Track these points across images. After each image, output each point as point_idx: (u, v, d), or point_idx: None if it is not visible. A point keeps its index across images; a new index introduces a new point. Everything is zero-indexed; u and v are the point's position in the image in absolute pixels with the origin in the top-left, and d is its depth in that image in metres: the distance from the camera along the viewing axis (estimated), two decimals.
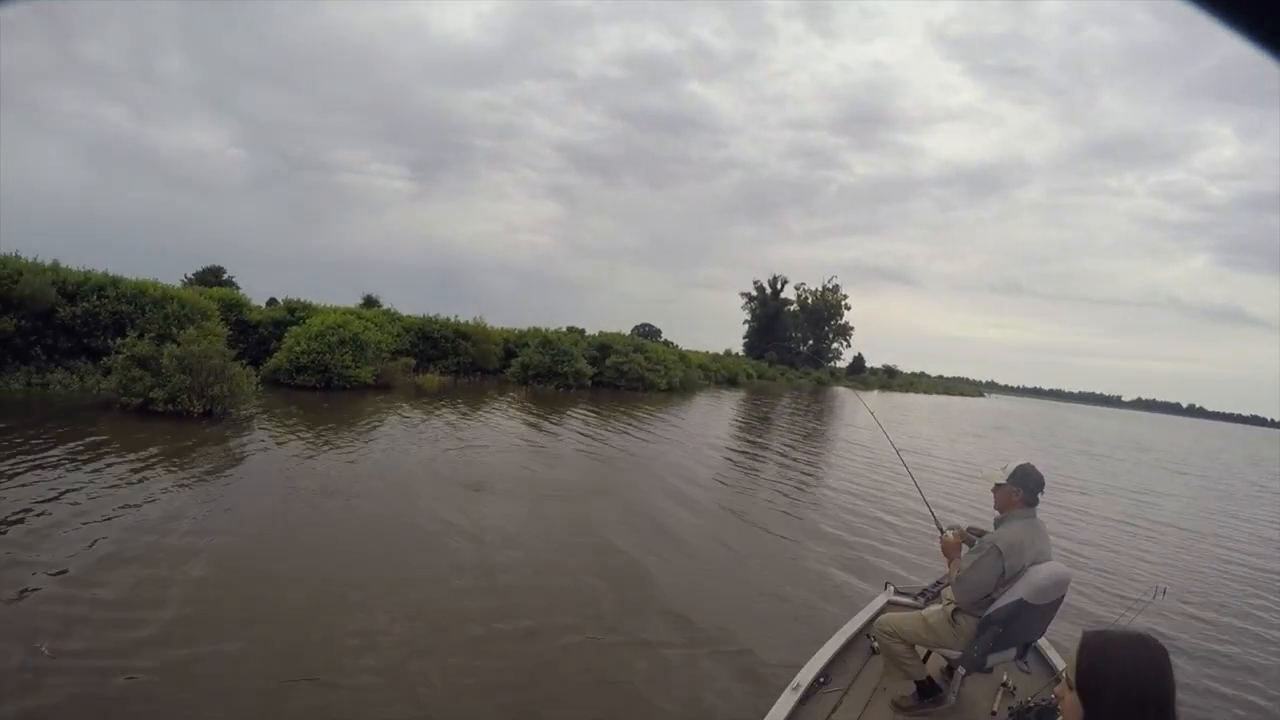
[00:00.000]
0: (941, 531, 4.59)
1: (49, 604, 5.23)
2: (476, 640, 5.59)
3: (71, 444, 9.92)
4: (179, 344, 13.42)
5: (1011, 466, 4.09)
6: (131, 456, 9.74)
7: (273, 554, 6.93)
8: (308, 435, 12.98)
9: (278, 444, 11.85)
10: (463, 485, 10.47)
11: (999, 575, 3.87)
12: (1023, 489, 4.03)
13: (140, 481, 8.68)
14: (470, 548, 7.74)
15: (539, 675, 5.20)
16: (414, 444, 13.28)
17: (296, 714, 4.36)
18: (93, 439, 10.43)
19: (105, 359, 13.77)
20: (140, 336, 13.83)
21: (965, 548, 4.32)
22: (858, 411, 42.90)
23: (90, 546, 6.41)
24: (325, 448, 12.00)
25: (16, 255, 15.33)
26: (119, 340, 13.61)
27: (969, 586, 3.99)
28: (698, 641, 6.11)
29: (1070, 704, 1.72)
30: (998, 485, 4.10)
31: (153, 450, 10.24)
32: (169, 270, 31.71)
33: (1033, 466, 4.09)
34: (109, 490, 8.13)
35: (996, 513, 4.15)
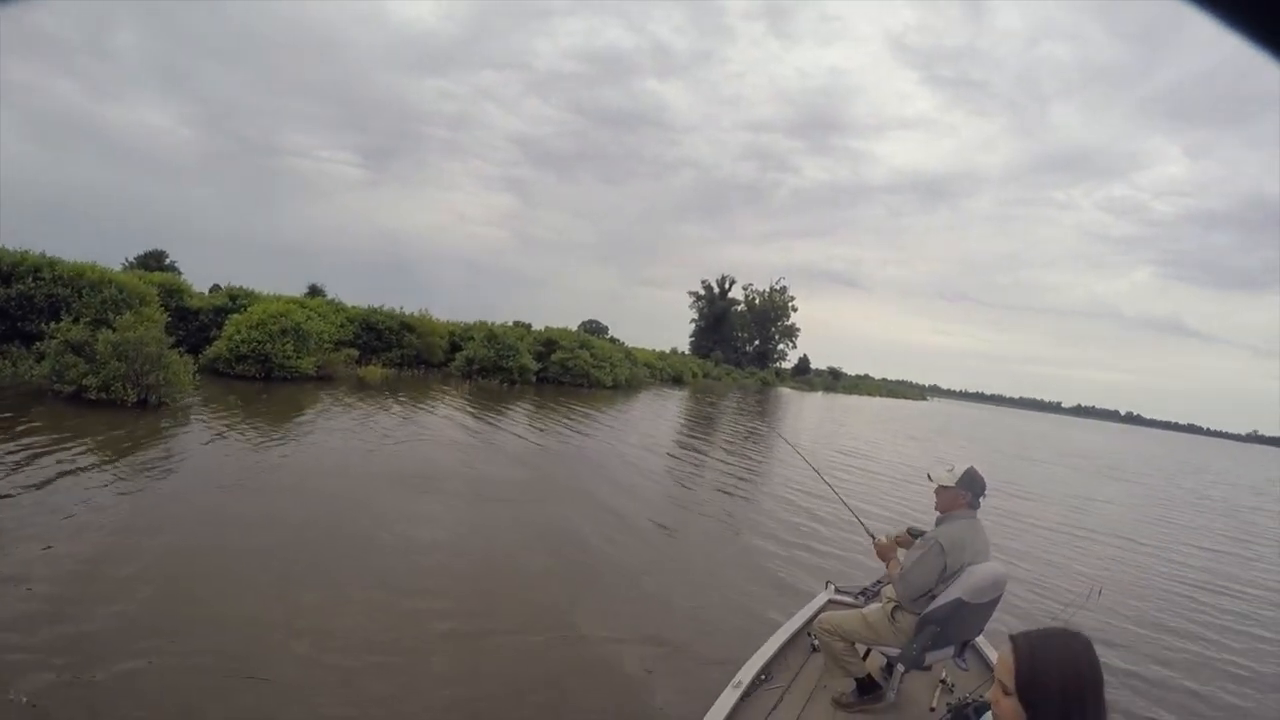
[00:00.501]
0: (873, 537, 4.69)
1: None
2: (401, 642, 5.54)
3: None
4: (115, 330, 13.29)
5: (959, 470, 4.19)
6: (59, 448, 9.54)
7: (196, 549, 6.82)
8: (243, 426, 12.90)
9: (214, 435, 11.72)
10: (395, 480, 10.47)
11: (941, 571, 3.98)
12: (969, 491, 4.14)
13: (67, 474, 8.49)
14: (400, 545, 7.74)
15: (467, 672, 5.21)
16: (352, 437, 13.27)
17: (227, 712, 4.34)
18: (21, 428, 10.30)
19: (39, 344, 13.55)
20: (75, 321, 13.68)
21: (900, 550, 4.46)
22: (800, 414, 43.74)
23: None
24: (259, 440, 11.91)
25: None
26: (53, 325, 13.42)
27: (911, 582, 4.08)
28: (638, 638, 6.16)
29: (1009, 709, 1.74)
30: (943, 487, 4.19)
31: (84, 441, 10.07)
32: (112, 253, 31.07)
33: (977, 470, 4.22)
34: (27, 484, 7.93)
35: (938, 513, 4.25)
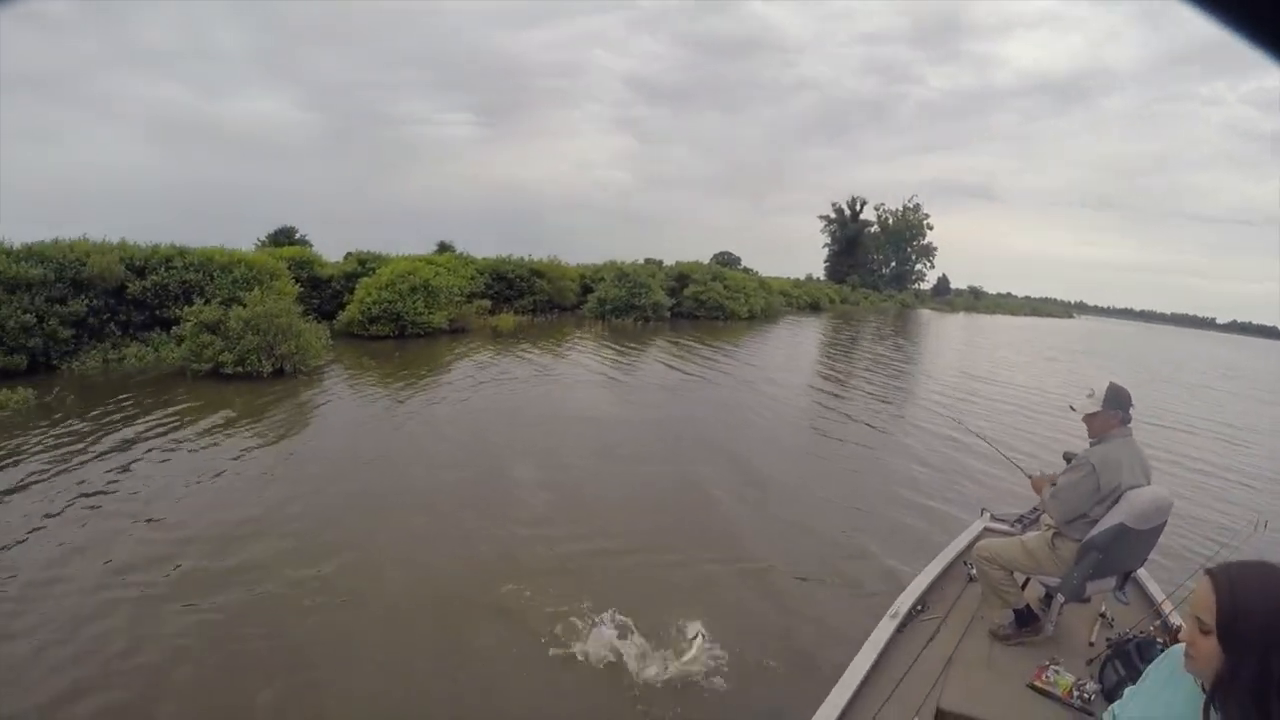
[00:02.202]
0: (1029, 476, 4.53)
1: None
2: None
3: (154, 412, 10.13)
4: (245, 306, 13.32)
5: (1100, 391, 3.97)
6: (209, 417, 10.00)
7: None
8: (372, 385, 13.09)
9: (347, 393, 12.14)
10: (531, 423, 10.52)
11: (1094, 491, 3.81)
12: (1118, 410, 3.92)
13: (221, 440, 9.00)
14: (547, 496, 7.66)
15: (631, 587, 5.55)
16: (484, 384, 13.48)
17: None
18: (168, 405, 10.54)
19: (175, 328, 13.74)
20: (207, 303, 13.78)
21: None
22: (940, 336, 41.94)
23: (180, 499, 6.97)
24: (387, 395, 12.10)
25: (85, 239, 15.40)
26: (186, 308, 13.56)
27: (1063, 501, 3.91)
28: (797, 571, 6.19)
29: (1207, 649, 1.56)
30: (1090, 415, 3.97)
31: (227, 411, 10.38)
32: (246, 236, 31.85)
33: (1119, 383, 3.99)
34: (191, 452, 8.45)
35: (1091, 440, 4.02)
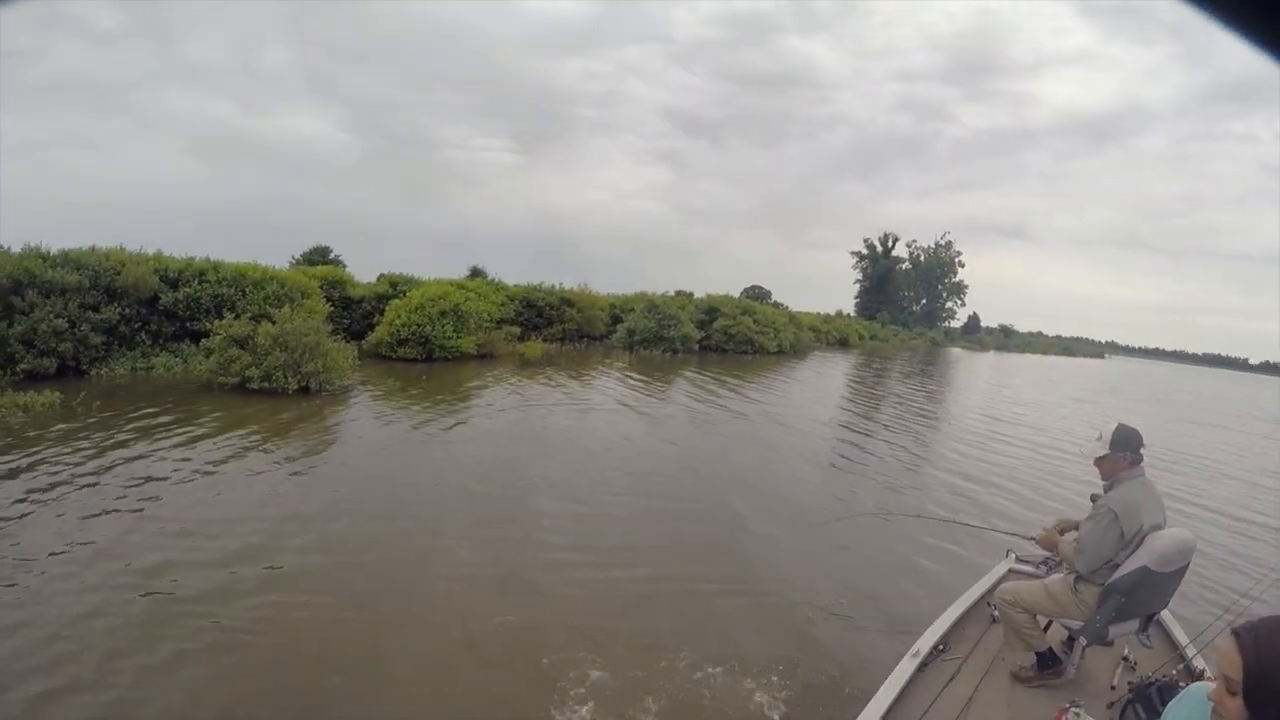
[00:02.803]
0: (1033, 539, 4.60)
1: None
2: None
3: (176, 422, 10.10)
4: (274, 322, 13.35)
5: (1108, 433, 3.93)
6: (233, 432, 9.91)
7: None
8: (396, 405, 13.03)
9: (367, 414, 12.02)
10: (548, 452, 10.33)
11: (1118, 538, 3.78)
12: (1127, 451, 3.88)
13: (239, 456, 8.88)
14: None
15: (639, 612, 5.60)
16: (506, 410, 13.40)
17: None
18: (192, 417, 10.46)
19: (205, 341, 13.76)
20: (237, 317, 13.82)
21: (1066, 533, 4.28)
22: (969, 375, 41.54)
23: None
24: (409, 418, 11.93)
25: (121, 248, 15.57)
26: (216, 322, 13.60)
27: (1089, 554, 3.88)
28: (818, 605, 6.13)
29: (1235, 711, 1.54)
30: (1100, 458, 3.94)
31: (250, 426, 10.30)
32: (281, 253, 32.19)
33: (1127, 424, 3.95)
34: (207, 465, 8.33)
35: (1104, 483, 4.00)
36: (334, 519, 6.96)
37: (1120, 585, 3.75)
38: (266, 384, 12.50)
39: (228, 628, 4.77)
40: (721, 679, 4.72)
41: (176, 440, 9.18)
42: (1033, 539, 4.63)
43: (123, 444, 8.77)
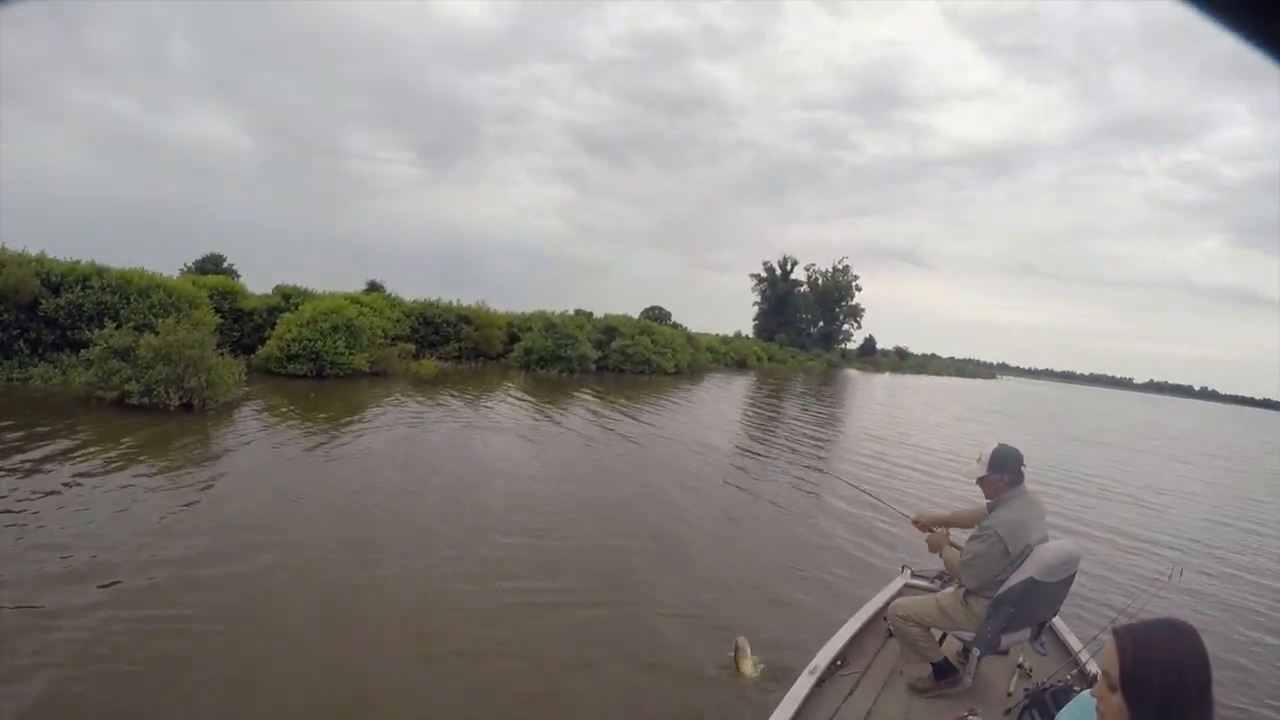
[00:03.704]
0: (913, 520, 4.82)
1: None
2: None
3: (42, 438, 9.81)
4: (157, 334, 13.12)
5: (986, 455, 4.10)
6: (101, 449, 9.61)
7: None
8: (280, 424, 12.94)
9: (252, 435, 11.75)
10: (434, 474, 10.41)
11: (1003, 555, 3.93)
12: (1005, 472, 4.06)
13: (109, 475, 8.65)
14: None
15: (538, 642, 5.59)
16: (391, 429, 13.51)
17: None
18: (62, 433, 10.19)
19: (85, 351, 13.40)
20: (118, 327, 13.54)
21: (951, 534, 4.54)
22: (860, 395, 42.95)
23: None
24: (294, 438, 11.89)
25: (3, 246, 15.09)
26: (97, 331, 13.24)
27: (976, 570, 4.04)
28: (715, 624, 6.25)
29: (1114, 706, 1.70)
30: (981, 478, 4.12)
31: (124, 444, 10.07)
32: (174, 259, 31.22)
33: (1005, 445, 4.12)
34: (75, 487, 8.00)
35: (988, 501, 4.19)
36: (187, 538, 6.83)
37: (1009, 596, 3.90)
38: (147, 399, 12.30)
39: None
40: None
41: (38, 456, 8.98)
42: (910, 519, 4.80)
43: None
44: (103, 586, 5.66)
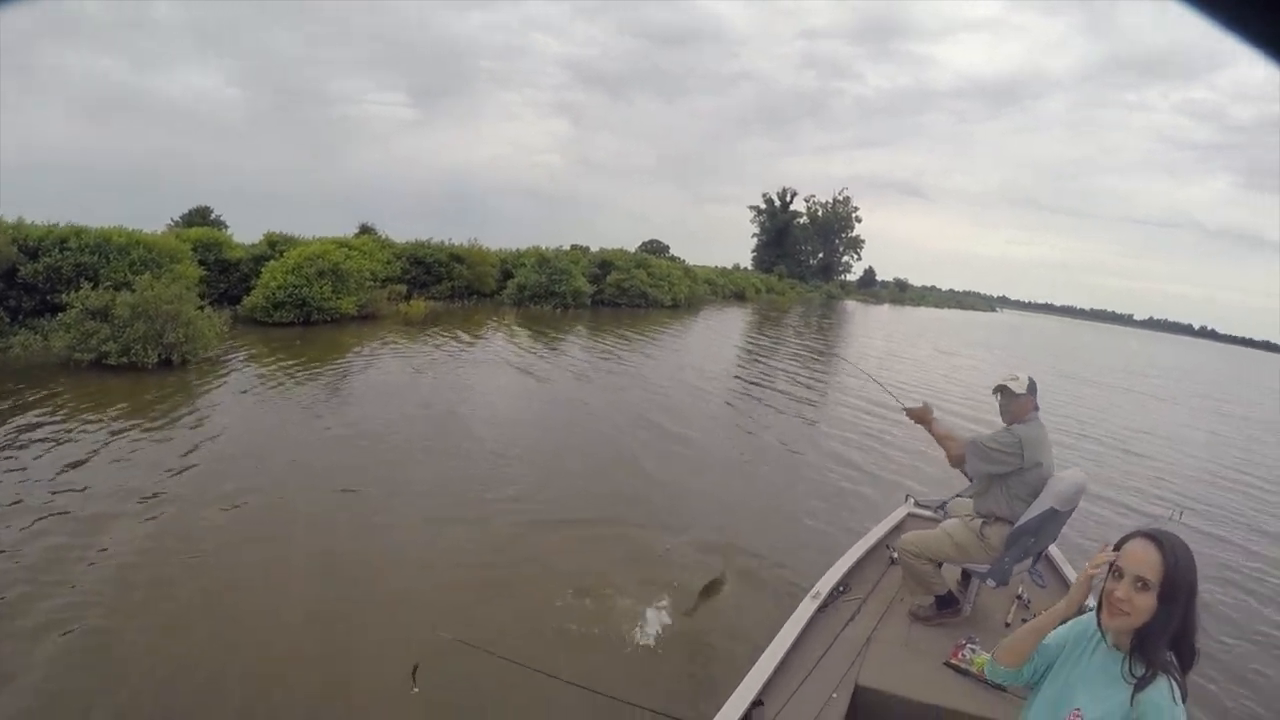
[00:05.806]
0: (905, 408, 4.83)
1: None
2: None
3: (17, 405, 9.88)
4: (134, 291, 13.06)
5: (1023, 378, 4.31)
6: (73, 418, 9.59)
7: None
8: (267, 375, 12.97)
9: (238, 388, 11.92)
10: (420, 419, 10.69)
11: (1014, 459, 4.17)
12: (1033, 396, 4.32)
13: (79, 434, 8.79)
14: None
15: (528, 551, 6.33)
16: (377, 373, 13.88)
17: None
18: (38, 400, 10.26)
19: (63, 314, 13.33)
20: (95, 287, 13.46)
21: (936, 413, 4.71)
22: (857, 328, 42.75)
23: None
24: (278, 389, 12.00)
25: None
26: (72, 294, 13.16)
27: (982, 454, 4.27)
28: (722, 549, 6.73)
29: (1145, 605, 1.82)
30: (1017, 396, 4.28)
31: (102, 407, 10.11)
32: (164, 216, 30.81)
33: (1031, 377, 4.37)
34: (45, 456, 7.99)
35: (1008, 423, 4.34)
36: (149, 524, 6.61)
37: (1029, 526, 4.09)
38: (126, 359, 12.29)
39: None
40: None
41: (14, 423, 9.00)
42: (904, 408, 4.84)
43: None
44: None
